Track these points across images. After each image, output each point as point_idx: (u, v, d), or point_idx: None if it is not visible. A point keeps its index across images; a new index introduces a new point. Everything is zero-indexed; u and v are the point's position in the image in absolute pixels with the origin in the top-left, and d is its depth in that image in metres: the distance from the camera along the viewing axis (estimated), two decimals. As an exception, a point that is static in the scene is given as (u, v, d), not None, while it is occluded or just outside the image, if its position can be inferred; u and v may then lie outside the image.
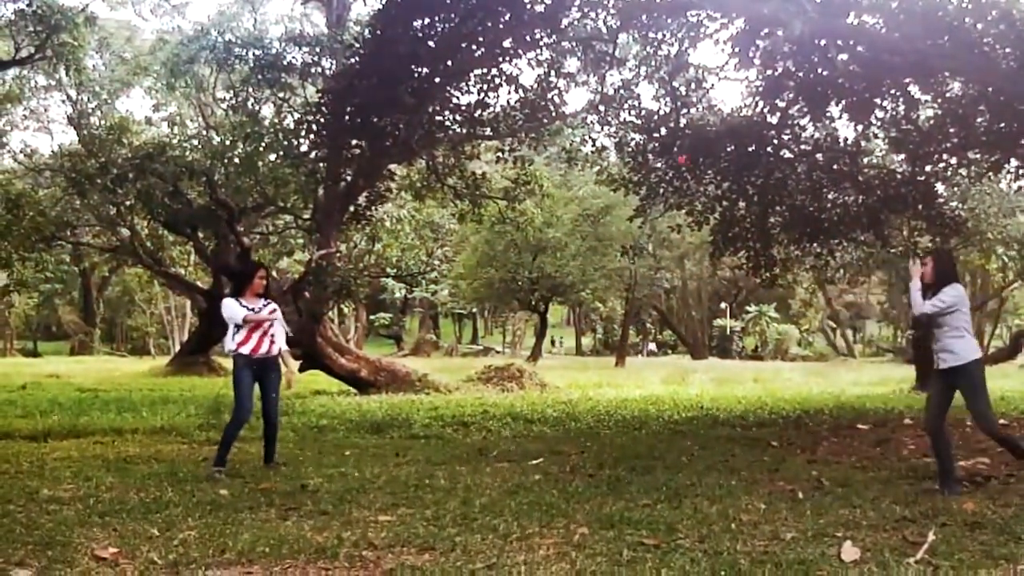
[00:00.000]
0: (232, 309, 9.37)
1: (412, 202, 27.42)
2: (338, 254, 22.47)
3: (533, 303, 49.42)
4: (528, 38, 15.80)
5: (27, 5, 23.75)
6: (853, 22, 12.72)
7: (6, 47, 27.70)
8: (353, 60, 17.01)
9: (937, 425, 8.24)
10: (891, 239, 19.36)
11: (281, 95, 23.85)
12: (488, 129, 19.02)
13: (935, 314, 8.06)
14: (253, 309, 9.42)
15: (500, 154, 20.64)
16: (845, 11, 12.40)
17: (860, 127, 15.92)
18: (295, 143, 19.86)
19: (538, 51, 17.10)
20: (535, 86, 17.95)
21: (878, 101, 14.89)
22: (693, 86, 17.02)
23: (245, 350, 9.36)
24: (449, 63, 15.54)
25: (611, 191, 21.25)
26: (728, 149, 16.01)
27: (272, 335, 9.56)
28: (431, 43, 14.91)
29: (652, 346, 74.37)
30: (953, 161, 16.64)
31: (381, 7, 15.55)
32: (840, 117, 15.63)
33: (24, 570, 5.58)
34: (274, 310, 9.65)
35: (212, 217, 24.60)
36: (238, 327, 9.35)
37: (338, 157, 18.55)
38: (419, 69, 15.42)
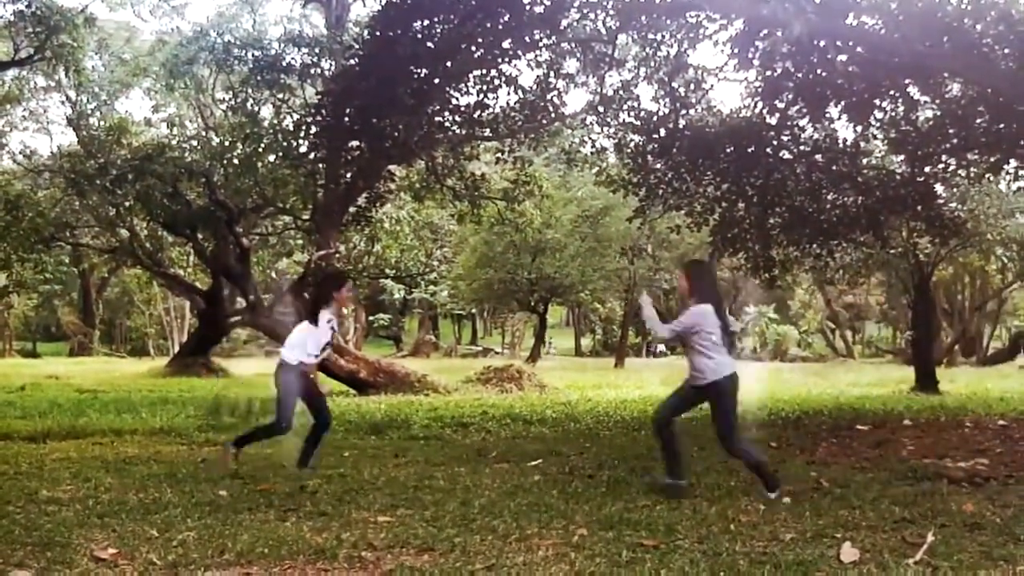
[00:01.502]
0: (311, 342, 9.10)
1: (411, 203, 27.46)
2: (337, 255, 22.48)
3: (532, 304, 49.43)
4: (527, 39, 15.80)
5: (26, 6, 23.74)
6: (852, 23, 12.73)
7: (5, 48, 27.71)
8: (352, 61, 17.01)
9: (665, 421, 8.32)
10: (890, 240, 19.39)
11: (280, 96, 23.84)
12: (487, 130, 19.02)
13: (672, 337, 8.20)
14: (335, 331, 9.33)
15: (499, 155, 20.65)
16: (844, 12, 12.42)
17: (859, 128, 15.94)
18: (294, 144, 19.87)
19: (537, 52, 17.11)
20: (534, 87, 17.96)
21: (877, 102, 14.91)
22: (692, 87, 17.03)
23: (308, 367, 9.23)
24: (448, 64, 15.53)
25: (610, 192, 21.26)
26: (727, 150, 16.02)
27: None
28: (430, 44, 14.91)
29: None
30: (952, 162, 16.67)
31: (381, 8, 15.56)
32: (839, 118, 15.65)
33: (23, 571, 5.58)
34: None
35: (211, 218, 24.60)
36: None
37: (337, 158, 18.55)
38: (418, 70, 15.41)
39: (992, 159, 15.90)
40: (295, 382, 9.07)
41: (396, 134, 16.57)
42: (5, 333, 62.68)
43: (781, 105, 15.34)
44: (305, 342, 9.06)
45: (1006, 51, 12.59)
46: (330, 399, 18.33)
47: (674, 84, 16.64)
